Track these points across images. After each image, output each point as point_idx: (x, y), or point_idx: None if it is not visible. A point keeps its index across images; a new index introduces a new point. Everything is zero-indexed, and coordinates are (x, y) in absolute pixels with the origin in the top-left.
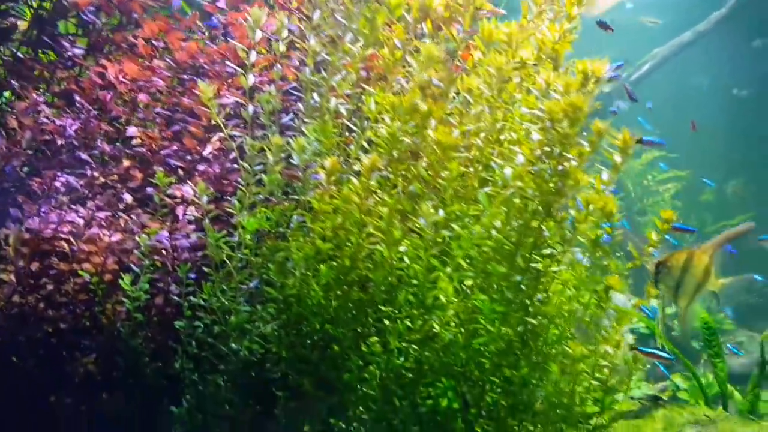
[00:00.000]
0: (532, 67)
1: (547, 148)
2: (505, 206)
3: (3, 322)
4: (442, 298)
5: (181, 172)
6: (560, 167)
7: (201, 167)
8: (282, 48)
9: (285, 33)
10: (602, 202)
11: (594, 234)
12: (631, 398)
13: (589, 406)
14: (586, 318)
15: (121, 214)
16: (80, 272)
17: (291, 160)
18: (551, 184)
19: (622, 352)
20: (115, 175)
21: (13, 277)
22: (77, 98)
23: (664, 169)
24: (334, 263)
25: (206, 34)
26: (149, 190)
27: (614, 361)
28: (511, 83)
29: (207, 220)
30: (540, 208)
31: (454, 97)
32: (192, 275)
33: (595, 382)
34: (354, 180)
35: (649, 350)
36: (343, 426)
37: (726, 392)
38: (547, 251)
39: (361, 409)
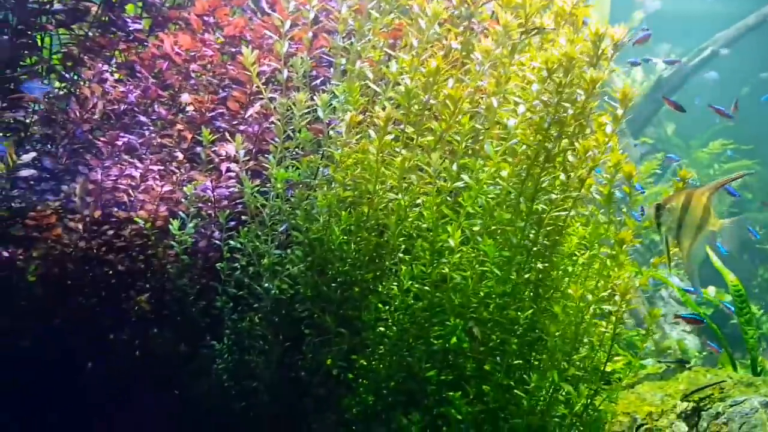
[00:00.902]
0: (551, 31)
1: (544, 97)
2: (509, 155)
3: (70, 264)
4: (452, 243)
5: (226, 134)
6: (557, 116)
7: (242, 127)
8: (311, 15)
9: (315, 2)
10: (615, 158)
11: (607, 189)
12: (658, 361)
13: (594, 351)
14: (594, 267)
15: (172, 168)
16: (136, 219)
17: (317, 115)
18: (551, 131)
19: (631, 301)
20: (169, 137)
21: (80, 225)
22: (138, 68)
23: (731, 157)
24: (354, 210)
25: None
26: (198, 149)
27: (621, 309)
28: (530, 46)
29: (243, 173)
30: (540, 155)
31: (468, 57)
32: (231, 222)
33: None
34: (373, 133)
35: (688, 315)
36: (363, 363)
37: (756, 358)
38: (548, 197)
39: (378, 346)
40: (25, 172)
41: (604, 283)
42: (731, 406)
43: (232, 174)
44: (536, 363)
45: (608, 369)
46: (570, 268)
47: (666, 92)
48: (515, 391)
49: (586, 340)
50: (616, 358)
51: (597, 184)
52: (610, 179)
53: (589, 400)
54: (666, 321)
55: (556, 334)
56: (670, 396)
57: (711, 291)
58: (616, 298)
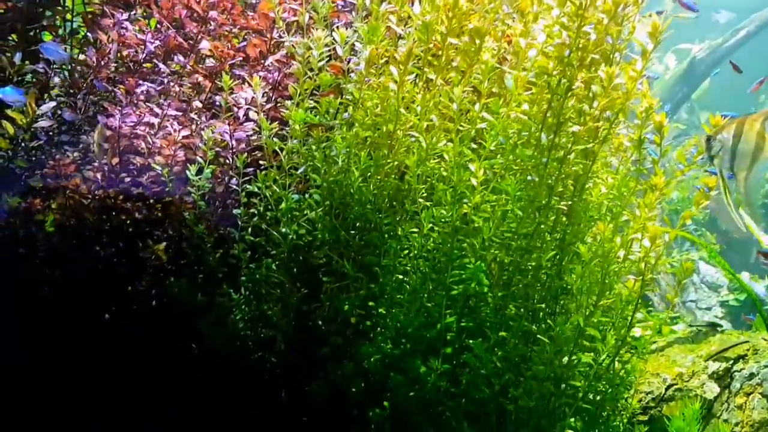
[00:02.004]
0: None
1: (564, 20)
2: (530, 87)
3: (88, 214)
4: (474, 182)
5: (245, 83)
6: (578, 42)
7: (262, 74)
8: None
9: None
10: (644, 96)
11: (638, 134)
12: (690, 326)
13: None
14: (618, 207)
15: (191, 116)
16: (153, 165)
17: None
18: (572, 58)
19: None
20: (188, 85)
21: (98, 175)
22: (157, 16)
23: None
24: (374, 152)
25: None
26: (217, 98)
27: (650, 254)
28: None
29: (261, 114)
30: (561, 85)
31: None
32: (249, 168)
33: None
34: (394, 71)
35: None
36: (382, 311)
37: None
38: (571, 129)
39: (397, 293)
40: (44, 123)
41: (635, 225)
42: (765, 366)
43: (251, 118)
44: (560, 309)
45: (636, 327)
46: (596, 214)
47: (699, 74)
48: (538, 336)
49: (614, 288)
50: (642, 323)
51: (629, 125)
52: (641, 124)
53: (616, 350)
54: (697, 307)
55: (582, 277)
56: (701, 357)
57: (745, 277)
58: (645, 243)
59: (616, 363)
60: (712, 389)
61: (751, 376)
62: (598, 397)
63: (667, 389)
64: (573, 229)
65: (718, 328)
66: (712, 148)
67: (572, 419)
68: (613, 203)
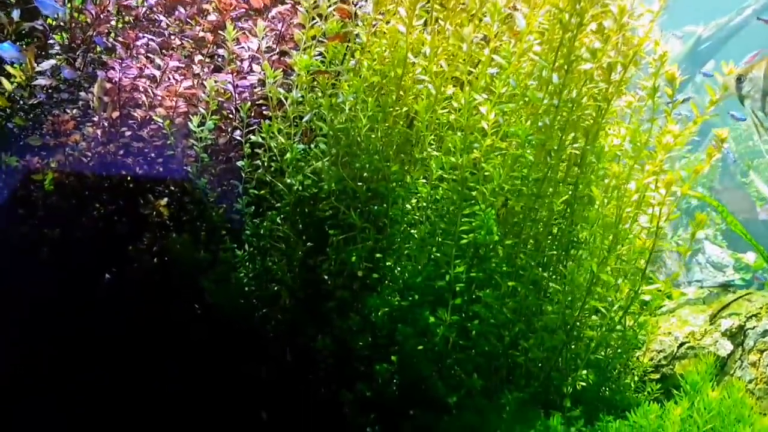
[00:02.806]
0: None
1: None
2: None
3: (88, 172)
4: (485, 125)
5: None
6: None
7: (265, 23)
8: None
9: None
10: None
11: (653, 80)
12: (701, 287)
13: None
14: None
15: (193, 66)
16: (154, 117)
17: None
18: None
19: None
20: (190, 39)
21: (98, 131)
22: None
23: None
24: (381, 97)
25: None
26: (220, 51)
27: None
28: None
29: (265, 60)
30: (572, 20)
31: None
32: (253, 121)
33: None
34: (402, 12)
35: None
36: (389, 263)
37: None
38: (583, 66)
39: (405, 243)
40: (42, 81)
41: (650, 170)
42: None
43: (255, 70)
44: (573, 257)
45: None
46: (608, 164)
47: (704, 53)
48: (550, 284)
49: (628, 237)
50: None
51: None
52: (656, 72)
53: (629, 301)
54: (704, 285)
55: (596, 222)
56: (714, 316)
57: (750, 257)
58: (662, 191)
59: (628, 318)
60: (725, 347)
61: (765, 333)
62: (610, 352)
63: (679, 347)
64: (585, 177)
65: (731, 289)
66: (743, 88)
67: (584, 371)
68: (625, 152)
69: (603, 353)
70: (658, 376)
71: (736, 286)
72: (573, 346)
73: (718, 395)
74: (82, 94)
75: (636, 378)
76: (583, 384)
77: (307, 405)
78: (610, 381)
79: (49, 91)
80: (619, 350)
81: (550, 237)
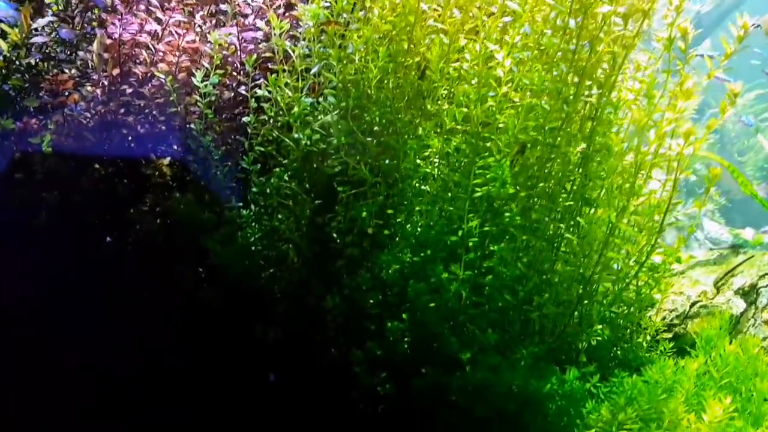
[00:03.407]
0: None
1: None
2: None
3: (87, 133)
4: (500, 73)
5: None
6: None
7: None
8: None
9: None
10: None
11: (669, 31)
12: (710, 248)
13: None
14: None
15: (195, 21)
16: (156, 73)
17: None
18: None
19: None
20: None
21: (97, 90)
22: None
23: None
24: (392, 47)
25: None
26: (223, 7)
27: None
28: None
29: (271, 11)
30: None
31: None
32: (258, 78)
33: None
34: None
35: None
36: (400, 219)
37: None
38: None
39: (417, 198)
40: (39, 39)
41: (668, 121)
42: None
43: (259, 27)
44: (590, 208)
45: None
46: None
47: (705, 28)
48: (566, 236)
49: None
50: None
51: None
52: (672, 22)
53: (646, 255)
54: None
55: (614, 171)
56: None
57: (749, 232)
58: (680, 140)
59: (641, 276)
60: (738, 305)
61: None
62: (623, 309)
63: (691, 306)
64: (602, 127)
65: (741, 250)
66: None
67: (599, 326)
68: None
69: (617, 310)
70: (670, 335)
71: (746, 247)
72: (587, 301)
73: (735, 349)
74: (81, 53)
75: (648, 337)
76: (598, 339)
77: (316, 366)
78: (622, 340)
79: (47, 51)
80: (632, 307)
81: (566, 188)
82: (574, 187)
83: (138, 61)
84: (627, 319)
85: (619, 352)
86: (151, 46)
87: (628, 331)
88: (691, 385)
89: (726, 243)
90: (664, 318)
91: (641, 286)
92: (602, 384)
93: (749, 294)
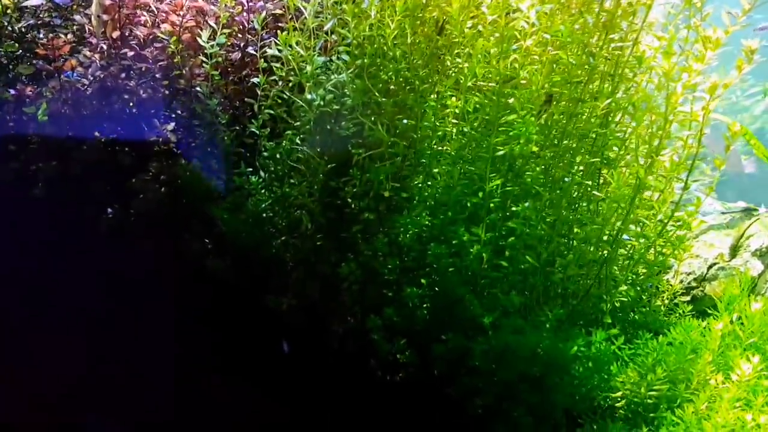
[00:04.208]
0: None
1: None
2: None
3: (86, 100)
4: (525, 25)
5: None
6: None
7: None
8: None
9: None
10: None
11: None
12: (722, 212)
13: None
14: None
15: None
16: (159, 35)
17: None
18: None
19: None
20: None
21: (96, 55)
22: None
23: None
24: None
25: None
26: None
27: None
28: None
29: None
30: None
31: None
32: (267, 37)
33: None
34: None
35: None
36: (417, 181)
37: None
38: None
39: (436, 159)
40: (33, 1)
41: (699, 69)
42: None
43: None
44: (616, 162)
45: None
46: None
47: None
48: (594, 193)
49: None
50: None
51: None
52: None
53: (672, 212)
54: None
55: (641, 124)
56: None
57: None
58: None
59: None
60: (756, 266)
61: None
62: (644, 270)
63: (709, 269)
64: (625, 81)
65: (754, 213)
66: None
67: (623, 288)
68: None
69: (641, 271)
70: (688, 298)
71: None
72: (612, 262)
73: (762, 309)
74: (77, 17)
75: (666, 300)
76: (623, 300)
77: (331, 334)
78: (640, 303)
79: (40, 15)
80: (655, 267)
81: (591, 144)
82: (599, 144)
83: (139, 22)
84: (648, 280)
85: (637, 315)
86: (153, 6)
87: (647, 294)
88: (716, 345)
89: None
90: (681, 281)
91: (664, 245)
92: (626, 346)
93: (766, 255)
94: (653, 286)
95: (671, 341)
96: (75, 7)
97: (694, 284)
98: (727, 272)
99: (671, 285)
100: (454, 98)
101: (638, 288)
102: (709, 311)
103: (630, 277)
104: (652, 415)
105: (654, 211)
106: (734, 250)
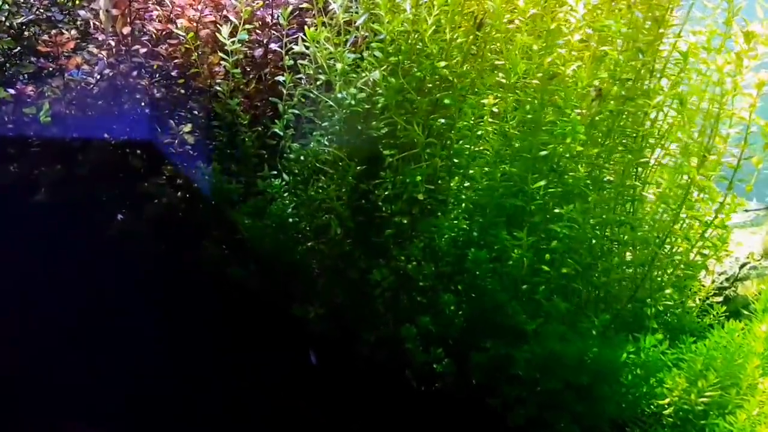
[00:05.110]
0: None
1: None
2: None
3: (92, 100)
4: (572, 19)
5: None
6: None
7: None
8: None
9: None
10: None
11: None
12: (746, 210)
13: None
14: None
15: None
16: (175, 31)
17: None
18: None
19: None
20: None
21: (103, 52)
22: None
23: None
24: None
25: None
26: None
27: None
28: None
29: None
30: None
31: None
32: (292, 32)
33: None
34: None
35: None
36: (453, 185)
37: None
38: None
39: (474, 161)
40: None
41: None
42: None
43: None
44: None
45: None
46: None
47: None
48: (643, 193)
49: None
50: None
51: None
52: None
53: (719, 210)
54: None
55: (692, 121)
56: None
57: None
58: (753, 92)
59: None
60: None
61: None
62: (689, 271)
63: (741, 268)
64: (681, 75)
65: None
66: None
67: (668, 291)
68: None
69: (684, 272)
70: (720, 298)
71: None
72: (658, 264)
73: None
74: (82, 12)
75: (698, 303)
76: (668, 303)
77: (362, 343)
78: (676, 306)
79: (41, 9)
80: (694, 269)
81: (638, 144)
82: (647, 142)
83: (152, 17)
84: (688, 282)
85: (672, 317)
86: (167, 0)
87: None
88: (763, 348)
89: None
90: (713, 281)
91: (707, 246)
92: (669, 350)
93: None
94: (691, 287)
95: (714, 344)
96: (78, 1)
97: (726, 284)
98: (759, 271)
99: (703, 285)
100: (491, 96)
101: (680, 291)
102: (744, 312)
103: (673, 280)
104: (702, 422)
105: (701, 212)
106: (766, 249)
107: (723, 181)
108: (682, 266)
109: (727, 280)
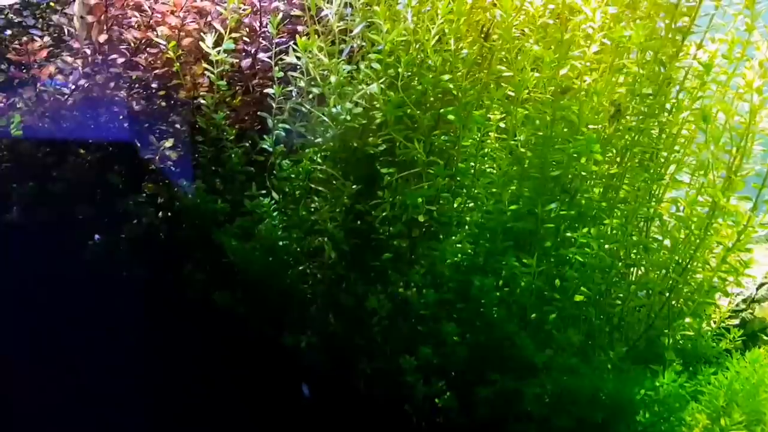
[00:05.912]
0: None
1: None
2: None
3: (66, 112)
4: (589, 30)
5: None
6: None
7: None
8: None
9: None
10: None
11: None
12: (762, 224)
13: None
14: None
15: None
16: (155, 39)
17: None
18: None
19: None
20: None
21: (78, 61)
22: None
23: None
24: (454, 2)
25: None
26: None
27: None
28: None
29: None
30: None
31: None
32: (282, 40)
33: None
34: None
35: None
36: (457, 205)
37: None
38: None
39: (478, 180)
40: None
41: None
42: None
43: None
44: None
45: None
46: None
47: None
48: (664, 217)
49: None
50: None
51: None
52: None
53: (740, 234)
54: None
55: (718, 139)
56: None
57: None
58: None
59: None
60: None
61: None
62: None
63: (758, 288)
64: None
65: None
66: None
67: (687, 319)
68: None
69: (704, 299)
70: (737, 321)
71: None
72: (677, 292)
73: None
74: (55, 18)
75: (713, 325)
76: (687, 333)
77: (358, 375)
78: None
79: (10, 15)
80: (713, 295)
81: (658, 165)
82: (669, 160)
83: (130, 24)
84: (705, 308)
85: (687, 342)
86: (146, 7)
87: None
88: None
89: None
90: (729, 302)
91: (727, 271)
92: (688, 383)
93: None
94: (708, 311)
95: (735, 375)
96: (52, 4)
97: (742, 305)
98: None
99: (718, 307)
100: (498, 111)
101: (698, 318)
102: (762, 337)
103: (692, 308)
104: None
105: (725, 234)
106: None
107: (743, 200)
108: (702, 292)
109: (743, 301)
